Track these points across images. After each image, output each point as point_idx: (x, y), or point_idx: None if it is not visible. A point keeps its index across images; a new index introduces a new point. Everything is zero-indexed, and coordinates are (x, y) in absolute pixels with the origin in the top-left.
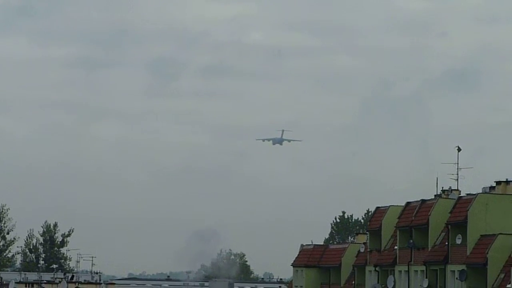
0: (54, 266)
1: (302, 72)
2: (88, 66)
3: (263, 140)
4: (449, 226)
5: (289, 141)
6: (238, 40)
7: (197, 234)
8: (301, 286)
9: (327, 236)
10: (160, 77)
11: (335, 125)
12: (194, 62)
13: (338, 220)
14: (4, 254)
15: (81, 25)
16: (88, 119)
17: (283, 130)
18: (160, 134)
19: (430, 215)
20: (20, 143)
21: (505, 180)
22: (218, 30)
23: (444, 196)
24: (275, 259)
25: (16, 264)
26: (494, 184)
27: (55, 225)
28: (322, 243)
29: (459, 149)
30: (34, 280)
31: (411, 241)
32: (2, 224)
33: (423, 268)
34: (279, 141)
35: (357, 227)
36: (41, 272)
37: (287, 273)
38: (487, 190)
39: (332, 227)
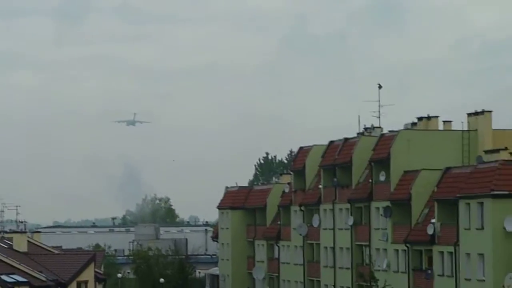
0: None
1: (221, 13)
2: None
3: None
4: (372, 164)
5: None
6: None
7: (120, 178)
8: (227, 228)
9: (251, 178)
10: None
11: (255, 65)
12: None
13: (262, 161)
14: None
15: None
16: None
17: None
18: (79, 81)
19: (353, 153)
20: None
21: (426, 116)
22: None
23: (367, 134)
24: (200, 202)
25: None
26: (416, 121)
27: None
28: (246, 185)
29: (380, 87)
30: None
31: (335, 179)
32: None
33: (348, 206)
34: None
35: (281, 168)
36: None
37: (213, 215)
38: (409, 127)
39: (256, 169)
